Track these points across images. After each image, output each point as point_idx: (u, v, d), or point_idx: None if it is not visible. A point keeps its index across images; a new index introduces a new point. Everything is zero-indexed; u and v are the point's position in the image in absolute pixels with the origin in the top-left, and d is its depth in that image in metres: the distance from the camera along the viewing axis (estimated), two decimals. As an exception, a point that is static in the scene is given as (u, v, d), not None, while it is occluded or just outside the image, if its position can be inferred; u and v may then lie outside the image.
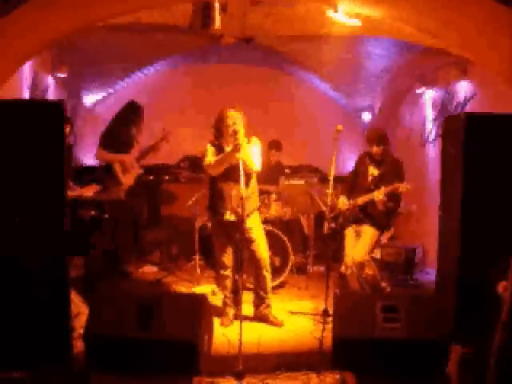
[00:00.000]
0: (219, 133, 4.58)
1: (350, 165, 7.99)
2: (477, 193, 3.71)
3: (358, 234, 5.14)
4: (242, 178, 3.91)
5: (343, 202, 5.19)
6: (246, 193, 4.51)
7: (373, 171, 5.15)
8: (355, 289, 5.08)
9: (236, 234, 4.45)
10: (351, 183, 5.34)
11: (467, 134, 3.72)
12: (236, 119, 4.43)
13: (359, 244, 5.05)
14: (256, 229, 4.67)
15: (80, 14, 4.02)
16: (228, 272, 4.71)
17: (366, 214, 5.06)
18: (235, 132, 4.29)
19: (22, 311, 3.40)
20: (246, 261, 4.53)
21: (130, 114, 5.85)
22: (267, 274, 4.73)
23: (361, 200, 5.07)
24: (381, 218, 5.03)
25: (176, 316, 3.27)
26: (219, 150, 4.57)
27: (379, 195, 4.82)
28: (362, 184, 5.18)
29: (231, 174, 4.34)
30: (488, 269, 3.38)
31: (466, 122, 3.74)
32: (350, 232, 5.20)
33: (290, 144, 6.79)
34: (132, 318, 3.27)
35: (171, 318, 3.26)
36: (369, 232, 5.05)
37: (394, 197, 4.91)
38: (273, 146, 6.64)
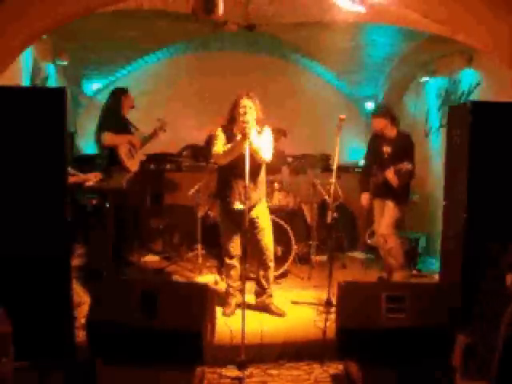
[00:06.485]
0: (232, 119, 4.52)
1: (353, 154, 8.01)
2: (483, 181, 3.68)
3: (382, 209, 5.47)
4: (247, 167, 3.88)
5: (366, 201, 5.64)
6: (255, 182, 4.49)
7: (386, 149, 5.44)
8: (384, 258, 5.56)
9: (243, 222, 4.41)
10: (370, 164, 5.70)
11: (474, 122, 3.68)
12: (248, 108, 4.39)
13: (384, 219, 5.41)
14: (263, 218, 4.64)
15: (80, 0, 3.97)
16: (234, 261, 4.68)
17: (387, 190, 5.33)
18: (245, 121, 4.26)
19: (23, 301, 3.38)
20: (250, 250, 4.50)
21: (117, 93, 5.80)
22: (271, 264, 4.72)
23: (380, 178, 5.41)
24: (399, 193, 5.32)
25: (180, 305, 3.23)
26: (230, 136, 4.51)
27: (389, 174, 5.19)
28: (380, 162, 5.47)
29: (241, 163, 4.17)
30: (494, 260, 3.37)
31: (473, 110, 3.70)
32: (377, 204, 5.59)
33: (293, 133, 6.73)
34: (135, 307, 3.25)
35: (175, 307, 3.23)
36: (391, 208, 5.37)
37: (402, 174, 5.17)
38: (280, 133, 6.56)
